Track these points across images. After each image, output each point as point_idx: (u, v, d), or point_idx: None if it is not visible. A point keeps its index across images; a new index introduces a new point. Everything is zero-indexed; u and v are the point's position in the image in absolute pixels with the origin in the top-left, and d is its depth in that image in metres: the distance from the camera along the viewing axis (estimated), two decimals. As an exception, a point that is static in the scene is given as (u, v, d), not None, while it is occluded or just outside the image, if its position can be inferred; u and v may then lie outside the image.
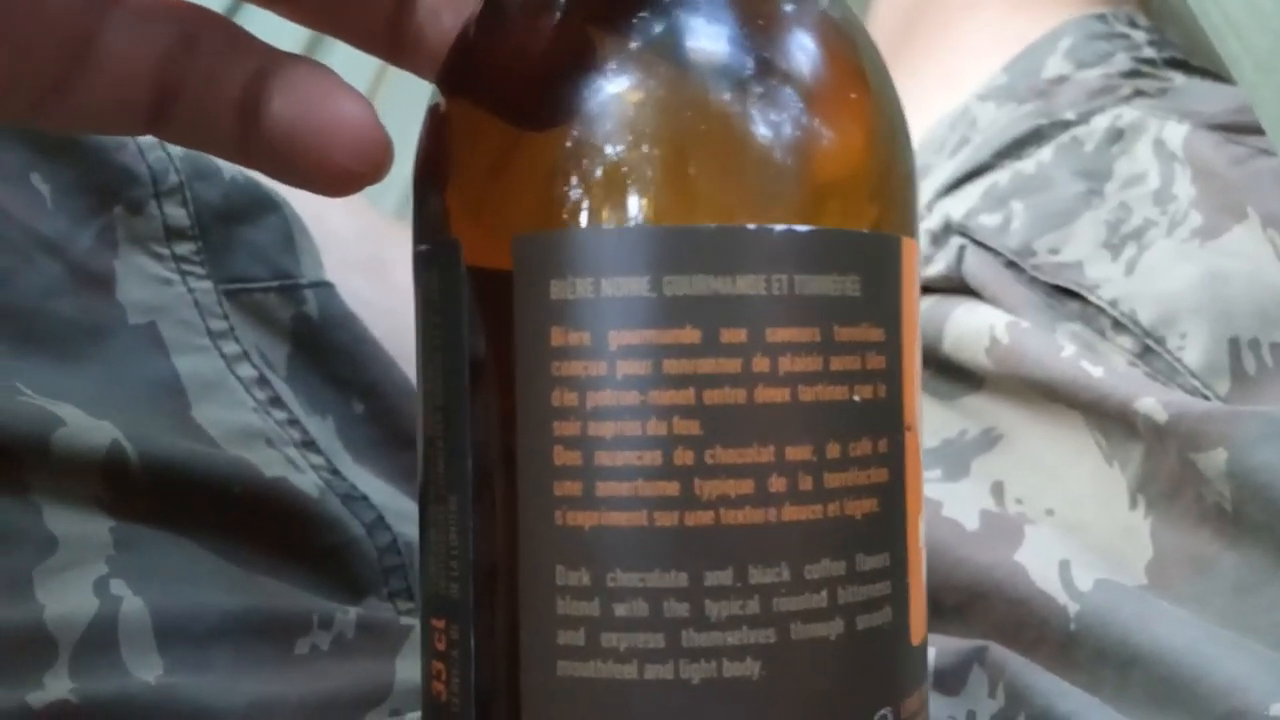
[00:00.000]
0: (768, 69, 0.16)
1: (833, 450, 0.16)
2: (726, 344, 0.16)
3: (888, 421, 0.17)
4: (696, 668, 0.15)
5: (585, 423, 0.16)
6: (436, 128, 0.18)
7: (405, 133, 0.21)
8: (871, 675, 0.16)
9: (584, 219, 0.16)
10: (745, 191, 0.16)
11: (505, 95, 0.17)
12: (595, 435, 0.16)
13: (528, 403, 0.16)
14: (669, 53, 0.16)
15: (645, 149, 0.16)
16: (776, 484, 0.16)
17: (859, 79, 0.17)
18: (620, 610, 0.15)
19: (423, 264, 0.18)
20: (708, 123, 0.16)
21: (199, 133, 0.19)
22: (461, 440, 0.17)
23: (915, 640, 0.17)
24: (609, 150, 0.16)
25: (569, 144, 0.16)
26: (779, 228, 0.16)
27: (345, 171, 0.18)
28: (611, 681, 0.15)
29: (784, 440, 0.16)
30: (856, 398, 0.16)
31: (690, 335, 0.16)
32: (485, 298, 0.17)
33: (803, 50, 0.17)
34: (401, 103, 0.38)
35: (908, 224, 0.18)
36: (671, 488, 0.15)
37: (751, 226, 0.16)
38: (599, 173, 0.16)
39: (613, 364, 0.16)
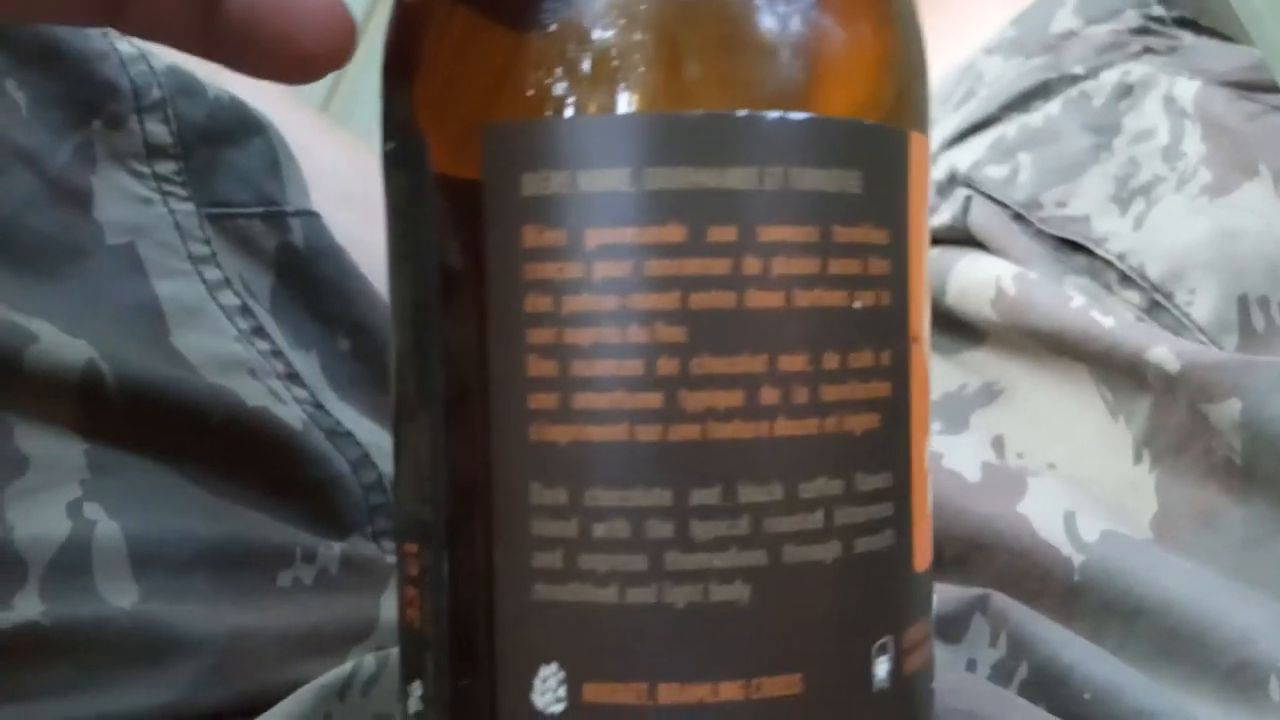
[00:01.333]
0: (762, -57, 0.15)
1: (830, 361, 0.15)
2: (714, 243, 0.14)
3: (891, 331, 0.16)
4: (681, 591, 0.14)
5: (561, 330, 0.14)
6: (403, 16, 0.16)
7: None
8: (871, 601, 0.15)
9: (558, 107, 0.14)
10: (735, 75, 0.15)
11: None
12: (571, 343, 0.14)
13: (499, 309, 0.15)
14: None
15: (622, 27, 0.14)
16: (768, 396, 0.14)
17: (863, -43, 0.16)
18: (599, 530, 0.14)
19: (390, 165, 0.16)
20: (693, -3, 0.15)
21: (159, 23, 0.18)
22: (432, 353, 0.16)
23: (919, 567, 0.16)
24: (582, 31, 0.14)
25: (538, 25, 0.15)
26: (772, 115, 0.14)
27: (310, 55, 0.17)
28: (590, 605, 0.14)
29: (777, 349, 0.14)
30: (857, 304, 0.15)
31: (674, 233, 0.14)
32: (454, 197, 0.15)
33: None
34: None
35: (917, 118, 0.16)
36: (654, 399, 0.14)
37: (742, 113, 0.14)
38: (572, 55, 0.14)
39: (590, 265, 0.14)
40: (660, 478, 0.14)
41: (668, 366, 0.14)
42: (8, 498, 0.23)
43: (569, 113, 0.14)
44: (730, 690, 0.14)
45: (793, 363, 0.15)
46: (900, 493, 0.16)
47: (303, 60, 0.17)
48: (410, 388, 0.16)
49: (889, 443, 0.16)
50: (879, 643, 0.15)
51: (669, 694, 0.14)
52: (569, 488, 0.14)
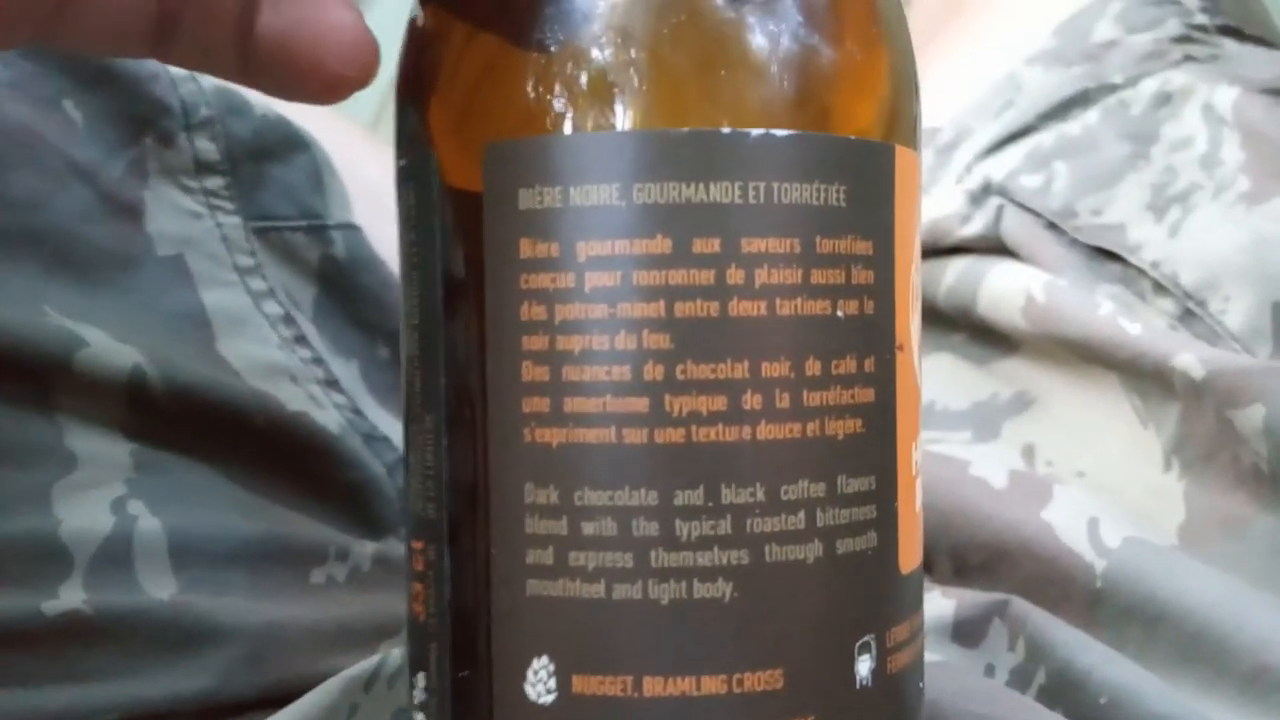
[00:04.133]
0: (750, -33, 0.16)
1: (812, 367, 0.15)
2: (699, 254, 0.15)
3: (875, 339, 0.16)
4: (666, 588, 0.15)
5: (553, 336, 0.15)
6: (414, 39, 0.17)
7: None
8: (853, 601, 0.16)
9: (552, 125, 0.15)
10: (720, 93, 0.15)
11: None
12: (563, 349, 0.15)
13: (497, 317, 0.16)
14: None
15: (613, 49, 0.15)
16: (751, 401, 0.15)
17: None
18: (588, 529, 0.15)
19: (402, 180, 0.17)
20: (677, 19, 0.15)
21: (200, 53, 0.19)
22: (437, 359, 0.17)
23: (905, 569, 0.17)
24: (575, 53, 0.15)
25: (535, 48, 0.15)
26: (755, 132, 0.15)
27: (338, 77, 0.18)
28: (579, 600, 0.15)
29: (760, 355, 0.15)
30: (840, 313, 0.16)
31: (661, 245, 0.15)
32: (459, 211, 0.16)
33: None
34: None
35: (904, 133, 0.17)
36: (640, 404, 0.15)
37: (726, 130, 0.15)
38: (566, 76, 0.15)
39: (581, 275, 0.15)
40: (646, 479, 0.15)
41: (654, 372, 0.15)
42: (56, 493, 0.24)
43: (561, 130, 0.15)
44: (713, 684, 0.15)
45: (775, 369, 0.15)
46: (885, 495, 0.16)
47: (331, 81, 0.18)
48: (417, 391, 0.17)
49: (873, 447, 0.16)
50: (861, 641, 0.16)
51: (653, 686, 0.15)
52: (560, 488, 0.15)
